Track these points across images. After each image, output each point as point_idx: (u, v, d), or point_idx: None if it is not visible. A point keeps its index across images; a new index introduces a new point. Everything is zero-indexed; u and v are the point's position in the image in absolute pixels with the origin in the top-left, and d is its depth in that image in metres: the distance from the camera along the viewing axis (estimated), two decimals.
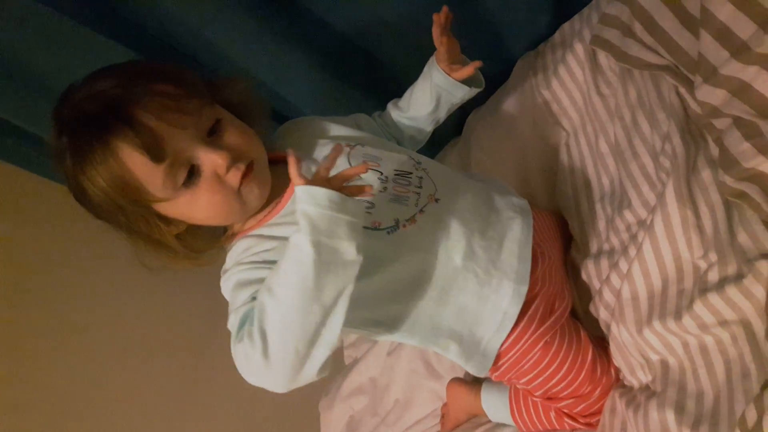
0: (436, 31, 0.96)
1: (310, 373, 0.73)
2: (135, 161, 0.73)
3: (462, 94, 1.03)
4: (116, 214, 0.78)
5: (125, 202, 0.76)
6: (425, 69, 1.03)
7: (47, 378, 1.49)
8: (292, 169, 0.72)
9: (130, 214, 0.78)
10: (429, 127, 1.09)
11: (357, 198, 0.74)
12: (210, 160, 0.77)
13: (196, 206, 0.79)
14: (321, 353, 0.73)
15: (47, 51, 1.11)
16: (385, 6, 1.22)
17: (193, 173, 0.77)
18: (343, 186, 0.74)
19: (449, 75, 0.99)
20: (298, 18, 1.23)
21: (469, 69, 0.99)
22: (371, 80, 1.37)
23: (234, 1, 1.14)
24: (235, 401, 1.73)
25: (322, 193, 0.70)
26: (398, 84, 1.18)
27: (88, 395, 1.56)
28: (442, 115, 1.06)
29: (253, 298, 0.76)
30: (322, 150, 0.91)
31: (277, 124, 1.06)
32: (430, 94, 1.02)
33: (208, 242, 0.86)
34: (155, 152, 0.73)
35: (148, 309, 1.67)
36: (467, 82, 1.02)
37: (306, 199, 0.70)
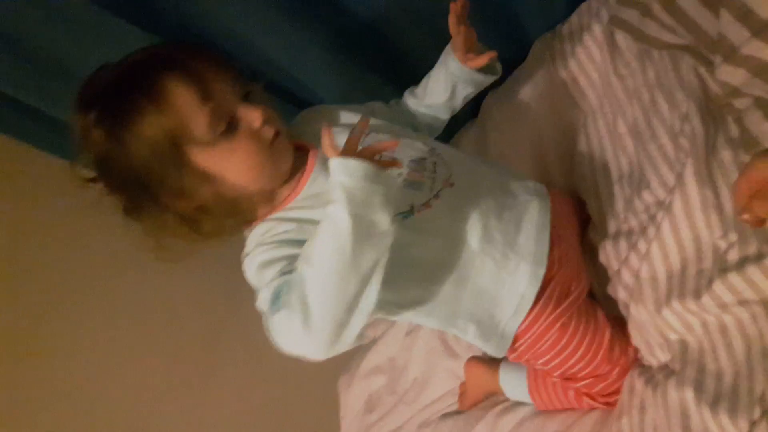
0: (452, 20, 0.95)
1: (348, 339, 0.75)
2: (184, 98, 0.77)
3: (478, 82, 1.03)
4: (152, 167, 0.77)
5: (167, 145, 0.77)
6: (441, 57, 1.02)
7: (55, 370, 1.51)
8: (327, 141, 0.75)
9: (168, 161, 0.78)
10: (445, 115, 1.09)
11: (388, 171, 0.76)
12: (247, 114, 0.81)
13: (233, 155, 0.81)
14: (358, 321, 0.75)
15: (69, 37, 1.13)
16: None
17: (230, 126, 0.80)
18: (373, 159, 0.76)
19: (464, 64, 0.99)
20: (317, 2, 1.23)
21: (484, 59, 0.98)
22: (388, 65, 1.36)
23: None
24: (254, 379, 1.75)
25: (357, 165, 0.72)
26: (415, 69, 1.18)
27: (97, 389, 1.56)
28: (458, 103, 1.06)
29: (283, 273, 0.78)
30: (336, 138, 0.92)
31: (294, 107, 1.07)
32: (446, 83, 1.02)
33: (234, 209, 0.86)
34: (203, 92, 0.77)
35: (160, 300, 1.67)
36: (483, 70, 1.01)
37: (342, 171, 0.72)
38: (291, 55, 1.26)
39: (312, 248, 0.74)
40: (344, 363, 1.64)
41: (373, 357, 1.54)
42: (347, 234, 0.71)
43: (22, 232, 1.47)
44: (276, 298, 0.76)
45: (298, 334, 0.72)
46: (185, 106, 0.76)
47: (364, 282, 0.74)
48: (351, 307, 0.74)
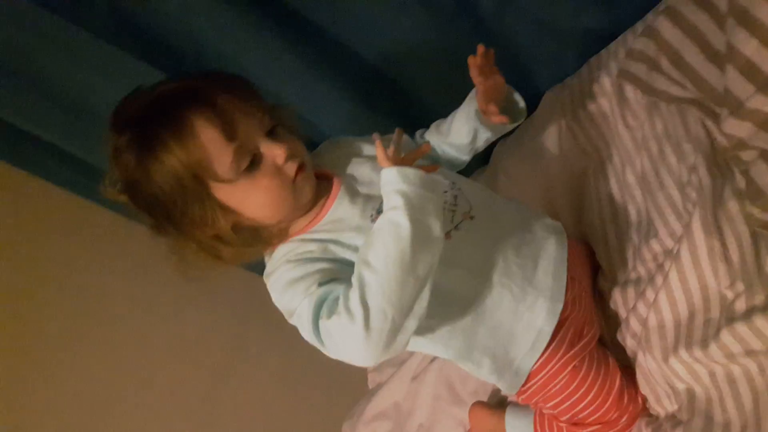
0: (473, 73, 0.95)
1: (401, 344, 0.77)
2: (210, 137, 0.78)
3: (499, 129, 1.02)
4: (174, 199, 0.79)
5: (190, 180, 0.79)
6: (467, 99, 1.02)
7: (61, 392, 1.51)
8: (381, 151, 0.78)
9: (190, 195, 0.80)
10: (467, 156, 1.08)
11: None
12: (271, 150, 0.82)
13: (254, 192, 0.82)
14: (412, 325, 0.77)
15: (82, 72, 1.17)
16: (411, 36, 1.26)
17: (253, 162, 0.82)
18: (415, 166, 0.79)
19: (484, 115, 0.98)
20: (328, 47, 1.27)
21: (501, 118, 0.97)
22: (396, 107, 1.39)
23: (269, 31, 1.18)
24: (258, 423, 1.74)
25: (413, 173, 0.76)
26: (422, 111, 1.20)
27: (105, 410, 1.57)
28: (481, 145, 1.05)
29: (320, 285, 0.79)
30: (357, 168, 0.94)
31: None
32: (468, 126, 1.01)
33: (253, 239, 0.88)
34: (229, 131, 0.79)
35: (170, 326, 1.68)
36: (506, 111, 0.99)
37: (399, 179, 0.76)
38: (302, 97, 1.29)
39: (372, 253, 0.76)
40: (349, 407, 1.63)
41: (378, 402, 1.52)
42: (408, 238, 0.74)
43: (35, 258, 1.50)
44: (319, 307, 0.78)
45: (357, 338, 0.74)
46: (210, 145, 0.78)
47: (420, 286, 0.77)
48: (407, 311, 0.76)
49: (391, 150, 0.79)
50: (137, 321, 1.63)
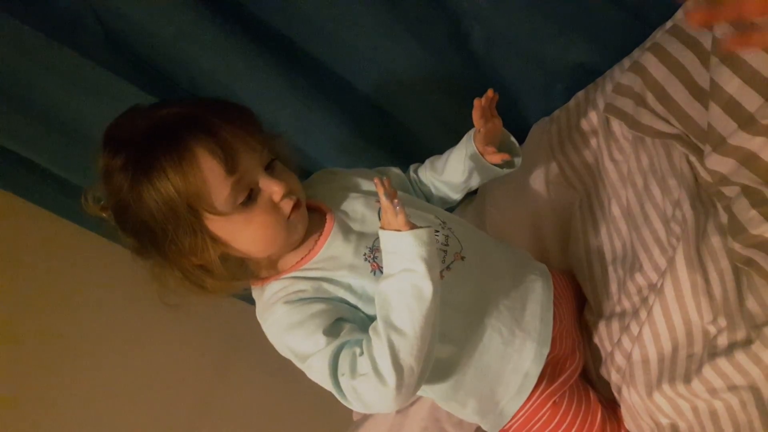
0: (476, 115, 0.95)
1: (420, 386, 0.80)
2: (210, 168, 0.77)
3: (494, 172, 1.01)
4: (165, 226, 0.78)
5: (184, 210, 0.77)
6: (464, 138, 1.01)
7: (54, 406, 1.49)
8: (402, 217, 0.77)
9: (182, 224, 0.78)
10: (459, 194, 1.08)
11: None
12: (269, 186, 0.82)
13: (248, 227, 0.81)
14: (429, 367, 0.80)
15: (75, 96, 1.18)
16: (403, 67, 1.27)
17: (250, 197, 0.81)
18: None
19: (483, 155, 0.98)
20: (321, 76, 1.28)
21: (500, 157, 0.97)
22: (387, 136, 1.40)
23: (264, 59, 1.20)
24: None
25: (426, 233, 0.77)
26: (412, 140, 1.20)
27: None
28: (475, 184, 1.05)
29: (327, 335, 0.79)
30: (350, 203, 0.92)
31: (300, 179, 1.10)
32: (464, 166, 1.01)
33: (239, 271, 0.88)
34: (230, 165, 0.78)
35: (152, 354, 1.66)
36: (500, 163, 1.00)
37: (417, 243, 0.76)
38: (294, 124, 1.29)
39: (397, 316, 0.76)
40: None
41: None
42: (430, 299, 0.76)
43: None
44: (335, 363, 0.78)
45: (389, 397, 0.76)
46: (209, 177, 0.77)
47: (435, 333, 0.78)
48: (429, 360, 0.79)
49: (402, 216, 0.77)
50: (116, 349, 1.61)
